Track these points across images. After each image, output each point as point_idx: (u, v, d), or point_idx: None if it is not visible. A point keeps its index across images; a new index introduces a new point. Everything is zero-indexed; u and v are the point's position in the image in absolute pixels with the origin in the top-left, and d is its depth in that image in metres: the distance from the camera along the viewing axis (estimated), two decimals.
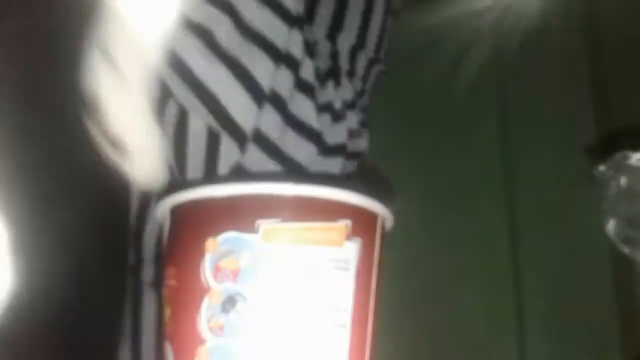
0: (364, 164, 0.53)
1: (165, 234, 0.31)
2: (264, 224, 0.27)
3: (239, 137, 0.42)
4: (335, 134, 0.47)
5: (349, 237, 0.28)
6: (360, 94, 0.52)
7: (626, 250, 0.47)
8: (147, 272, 0.46)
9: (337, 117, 0.47)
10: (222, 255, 0.27)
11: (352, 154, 0.49)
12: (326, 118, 0.46)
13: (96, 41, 0.38)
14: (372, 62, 0.53)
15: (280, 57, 0.43)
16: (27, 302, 0.34)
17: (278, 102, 0.43)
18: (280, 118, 0.43)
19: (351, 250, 0.28)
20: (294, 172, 0.45)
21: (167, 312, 0.29)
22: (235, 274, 0.27)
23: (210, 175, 0.41)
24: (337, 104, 0.47)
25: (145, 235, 0.45)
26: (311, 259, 0.27)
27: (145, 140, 0.40)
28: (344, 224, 0.28)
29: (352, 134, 0.49)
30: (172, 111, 0.43)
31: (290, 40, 0.43)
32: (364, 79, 0.53)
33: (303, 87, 0.44)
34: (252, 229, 0.27)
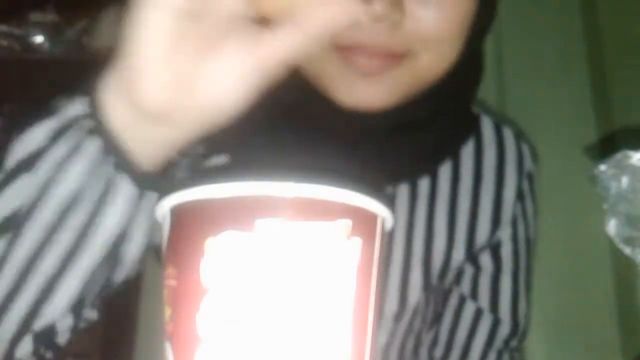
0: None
1: (165, 234, 0.31)
2: (263, 224, 0.27)
3: None
4: None
5: (349, 237, 0.28)
6: None
7: (626, 250, 0.47)
8: None
9: None
10: (222, 255, 0.27)
11: None
12: None
13: None
14: None
15: None
16: None
17: None
18: None
19: (351, 250, 0.28)
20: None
21: (167, 312, 0.29)
22: (235, 274, 0.27)
23: None
24: None
25: None
26: (311, 259, 0.27)
27: None
28: (344, 224, 0.28)
29: None
30: None
31: None
32: None
33: None
34: (252, 229, 0.27)
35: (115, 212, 0.38)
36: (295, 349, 0.27)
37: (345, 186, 0.28)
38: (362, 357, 0.29)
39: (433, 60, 0.49)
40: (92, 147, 0.37)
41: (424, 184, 0.61)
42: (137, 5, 0.33)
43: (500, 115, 0.69)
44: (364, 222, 0.29)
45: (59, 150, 0.37)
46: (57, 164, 0.37)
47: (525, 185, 0.64)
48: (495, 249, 0.62)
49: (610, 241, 0.47)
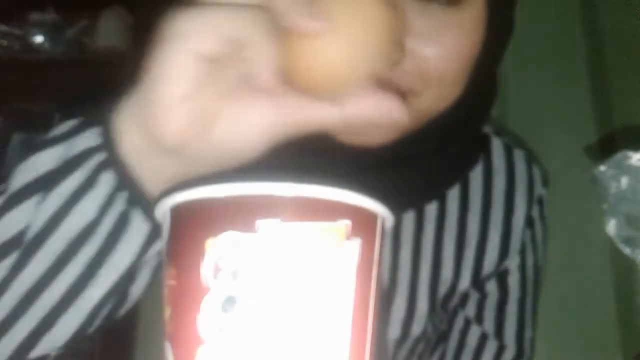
0: None
1: (165, 234, 0.31)
2: (264, 224, 0.27)
3: None
4: None
5: (349, 237, 0.28)
6: None
7: (626, 250, 0.47)
8: None
9: None
10: (222, 255, 0.27)
11: None
12: None
13: None
14: None
15: None
16: None
17: None
18: None
19: (351, 250, 0.28)
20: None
21: (167, 312, 0.29)
22: (235, 274, 0.27)
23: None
24: None
25: None
26: (311, 259, 0.27)
27: None
28: (344, 224, 0.28)
29: None
30: None
31: None
32: None
33: None
34: (252, 229, 0.27)
35: (127, 250, 0.37)
36: (295, 349, 0.27)
37: (345, 186, 0.28)
38: (362, 357, 0.29)
39: (435, 98, 0.48)
40: (106, 181, 0.36)
41: (432, 208, 0.60)
42: (161, 44, 0.32)
43: (513, 136, 0.67)
44: (364, 222, 0.29)
45: (71, 182, 0.36)
46: (69, 196, 0.36)
47: (535, 212, 0.62)
48: (502, 277, 0.61)
49: (610, 241, 0.47)
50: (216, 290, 0.27)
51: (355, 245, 0.28)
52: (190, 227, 0.28)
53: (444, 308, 0.61)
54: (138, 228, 0.37)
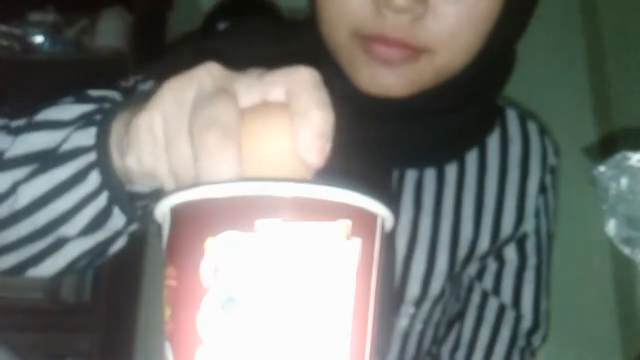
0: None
1: (165, 234, 0.31)
2: (263, 224, 0.27)
3: None
4: None
5: (349, 237, 0.28)
6: None
7: (626, 250, 0.47)
8: None
9: None
10: (222, 255, 0.27)
11: None
12: None
13: None
14: None
15: None
16: None
17: None
18: None
19: (351, 250, 0.28)
20: None
21: (167, 312, 0.29)
22: (235, 274, 0.27)
23: None
24: None
25: None
26: (311, 259, 0.27)
27: None
28: (344, 224, 0.28)
29: None
30: None
31: None
32: None
33: None
34: (252, 229, 0.27)
35: (102, 234, 0.43)
36: (295, 349, 0.27)
37: (345, 186, 0.28)
38: (362, 357, 0.29)
39: (450, 57, 0.50)
40: (92, 179, 0.40)
41: (451, 170, 0.62)
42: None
43: (525, 109, 0.71)
44: (364, 222, 0.29)
45: (62, 173, 0.40)
46: (57, 186, 0.40)
47: (549, 180, 0.66)
48: (520, 242, 0.64)
49: (610, 241, 0.47)
50: (216, 290, 0.27)
51: (355, 245, 0.28)
52: (190, 227, 0.28)
53: (460, 275, 0.62)
54: (115, 221, 0.41)
